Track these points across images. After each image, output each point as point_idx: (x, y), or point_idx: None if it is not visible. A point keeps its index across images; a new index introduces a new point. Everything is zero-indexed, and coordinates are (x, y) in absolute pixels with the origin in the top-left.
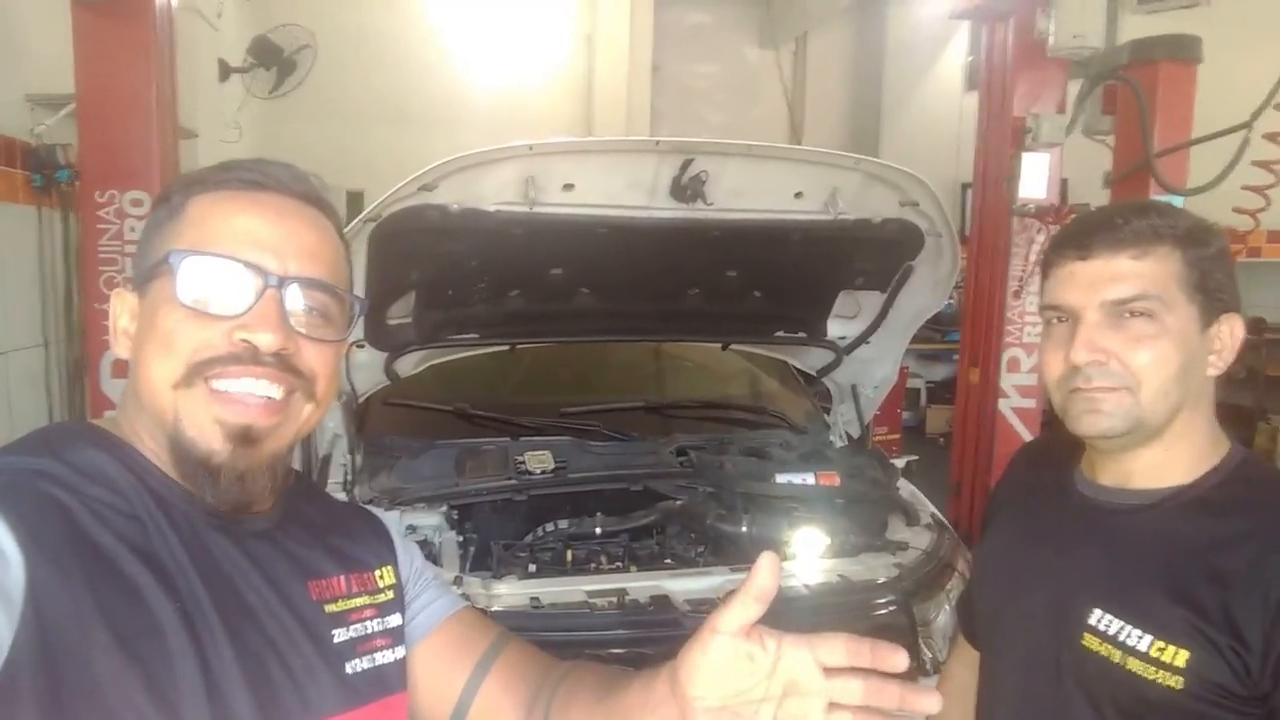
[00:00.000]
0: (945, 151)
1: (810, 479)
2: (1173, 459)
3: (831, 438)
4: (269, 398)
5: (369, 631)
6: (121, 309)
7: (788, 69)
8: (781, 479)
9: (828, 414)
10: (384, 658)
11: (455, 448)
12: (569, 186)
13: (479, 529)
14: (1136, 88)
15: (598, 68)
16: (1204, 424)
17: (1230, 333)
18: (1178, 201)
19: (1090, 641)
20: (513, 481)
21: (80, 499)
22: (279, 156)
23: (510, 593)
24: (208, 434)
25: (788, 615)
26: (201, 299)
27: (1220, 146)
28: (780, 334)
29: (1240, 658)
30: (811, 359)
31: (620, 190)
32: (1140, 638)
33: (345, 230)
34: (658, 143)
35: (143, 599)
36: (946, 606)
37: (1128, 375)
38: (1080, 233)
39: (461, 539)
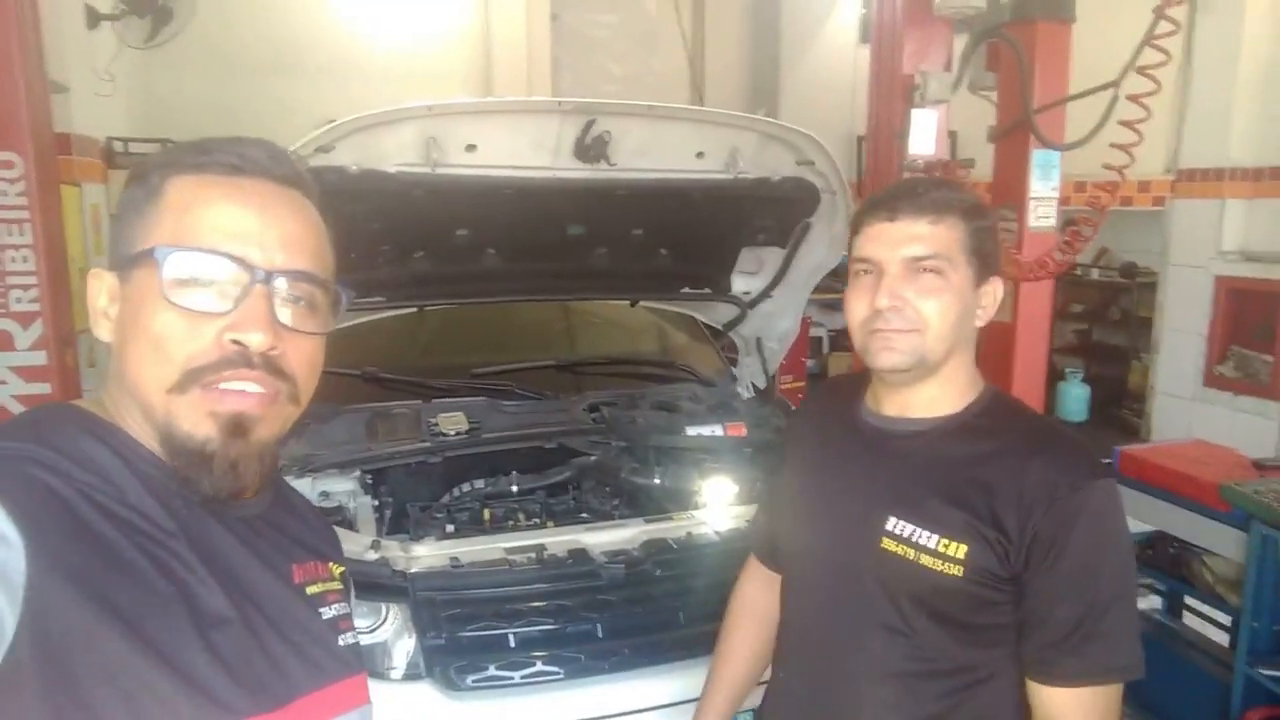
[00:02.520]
0: (842, 103)
1: (719, 430)
2: (944, 394)
3: (739, 389)
4: (259, 392)
5: (340, 614)
6: (99, 289)
7: (687, 19)
8: (691, 431)
9: (734, 366)
10: (352, 638)
11: (366, 412)
12: (471, 147)
13: (394, 493)
14: (1016, 45)
15: (495, 16)
16: (968, 365)
17: (993, 292)
18: (1055, 157)
19: (888, 544)
20: (427, 444)
21: (74, 485)
22: (158, 110)
23: (429, 554)
24: (202, 427)
25: (700, 560)
26: (188, 296)
27: (1096, 104)
28: (686, 290)
29: (1003, 547)
30: (717, 314)
31: (524, 151)
32: (929, 537)
33: None
34: (560, 103)
35: (144, 581)
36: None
37: (918, 319)
38: (889, 199)
39: (377, 503)
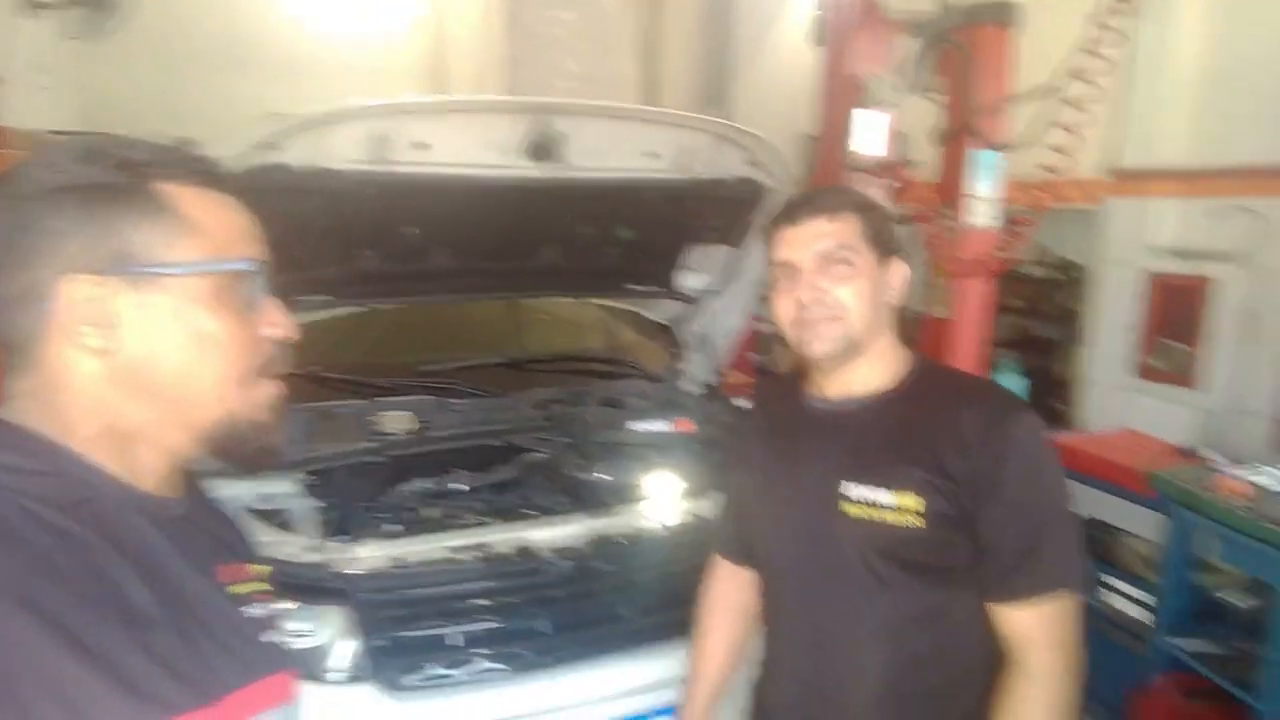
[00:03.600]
0: (794, 103)
1: (667, 426)
2: (877, 369)
3: (687, 386)
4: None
5: (265, 612)
6: (90, 296)
7: (644, 19)
8: (639, 427)
9: (682, 363)
10: (278, 636)
11: (308, 412)
12: (423, 145)
13: (337, 494)
14: (963, 50)
15: (450, 12)
16: (892, 341)
17: (898, 271)
18: (996, 157)
19: (849, 509)
20: (371, 443)
21: (5, 494)
22: (99, 104)
23: (372, 555)
24: (263, 411)
25: (647, 555)
26: (245, 303)
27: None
28: (636, 287)
29: (952, 490)
30: (666, 310)
31: (476, 149)
32: (887, 494)
33: None
34: (513, 103)
35: (74, 584)
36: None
37: (838, 306)
38: (791, 208)
39: (319, 505)
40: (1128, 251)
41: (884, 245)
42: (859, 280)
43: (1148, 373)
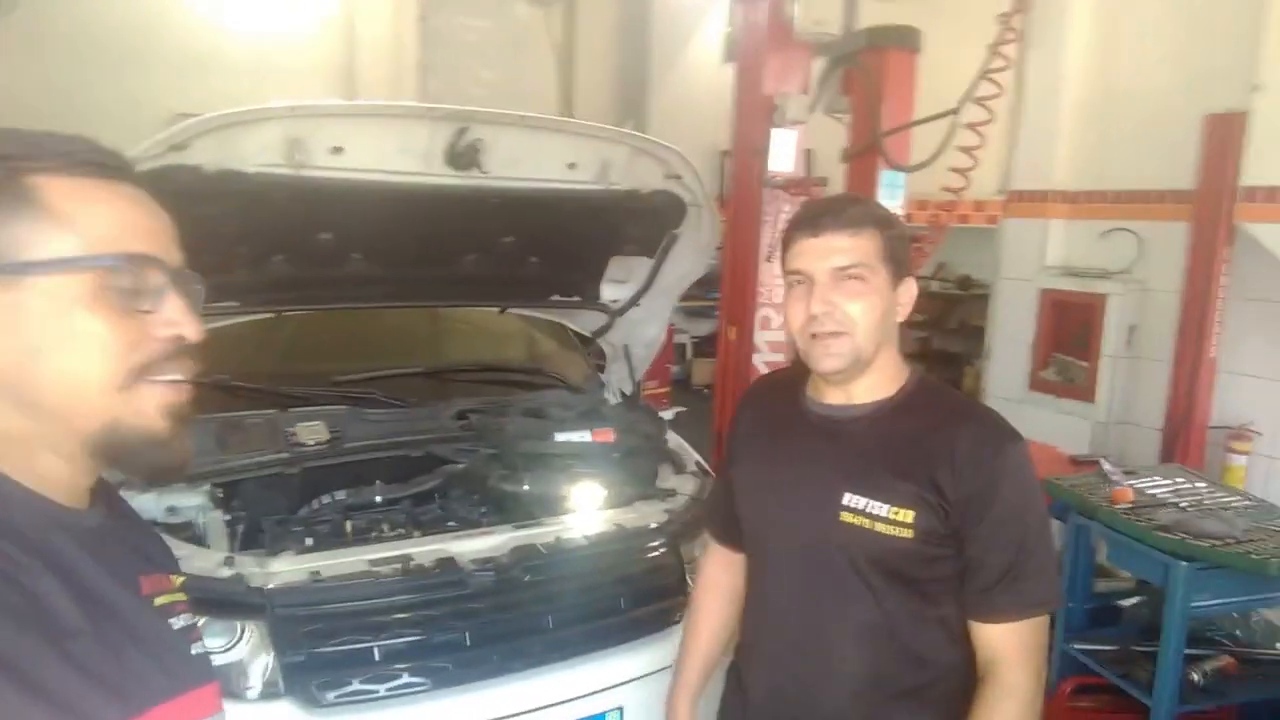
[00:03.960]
0: (708, 118)
1: (587, 436)
2: (879, 381)
3: (606, 395)
4: (186, 381)
5: (188, 624)
6: None
7: (558, 28)
8: (560, 437)
9: (602, 373)
10: (202, 648)
11: (216, 422)
12: (338, 150)
13: (248, 506)
14: (868, 72)
15: (360, 14)
16: (896, 355)
17: (909, 290)
18: (901, 177)
19: (846, 517)
20: (284, 455)
21: None
22: None
23: (288, 569)
24: (152, 419)
25: (569, 565)
26: (124, 299)
27: (938, 129)
28: (556, 298)
29: (943, 508)
30: (586, 321)
31: (393, 155)
32: (881, 507)
33: None
34: (431, 109)
35: (2, 613)
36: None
37: (847, 321)
38: (812, 216)
39: (229, 517)
40: (1023, 269)
41: (898, 264)
42: (871, 298)
43: (1043, 385)
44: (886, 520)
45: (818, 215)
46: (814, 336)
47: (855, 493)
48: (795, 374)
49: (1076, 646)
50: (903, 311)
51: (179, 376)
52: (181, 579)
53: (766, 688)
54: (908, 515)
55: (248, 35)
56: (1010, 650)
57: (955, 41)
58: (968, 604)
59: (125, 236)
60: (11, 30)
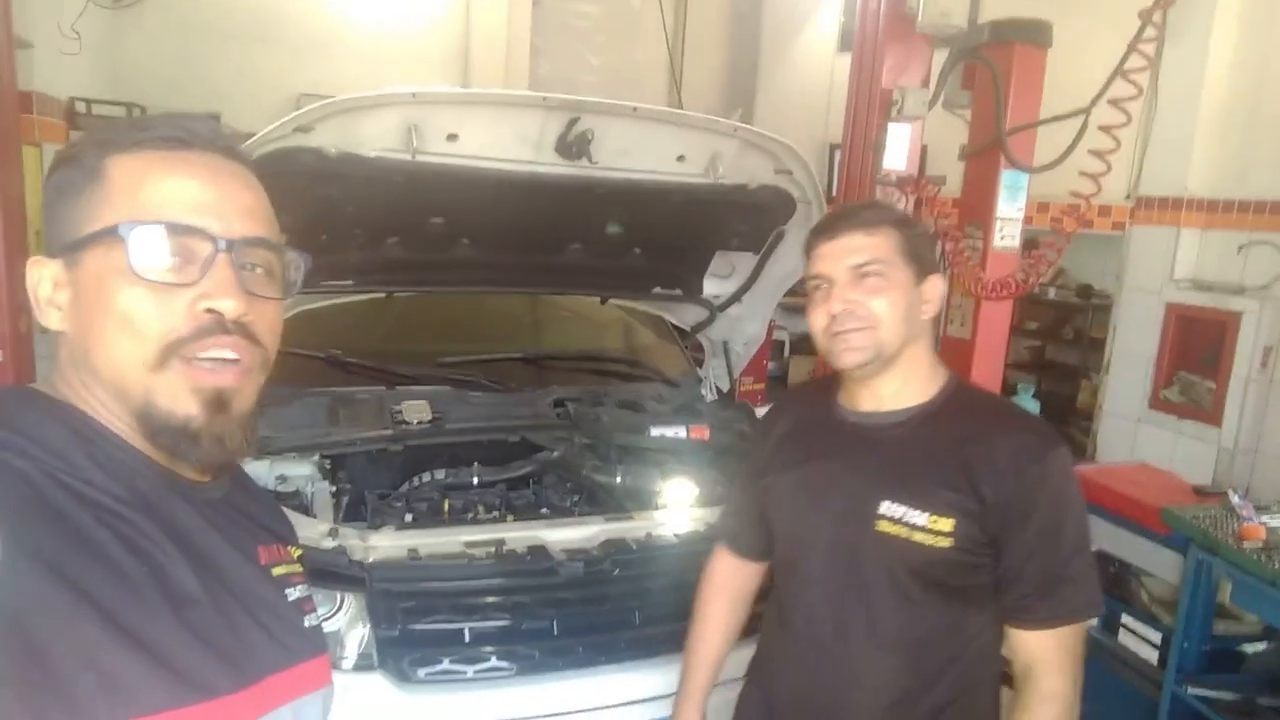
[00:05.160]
0: (817, 110)
1: (682, 432)
2: (908, 384)
3: (703, 391)
4: (236, 360)
5: (303, 595)
6: (42, 277)
7: (669, 15)
8: (655, 432)
9: (700, 368)
10: (315, 619)
11: (328, 396)
12: (453, 137)
13: (353, 479)
14: (993, 67)
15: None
16: (926, 356)
17: (934, 287)
18: (1023, 178)
19: (883, 526)
20: (389, 431)
21: (41, 467)
22: (125, 72)
23: (387, 544)
24: (184, 403)
25: (658, 561)
26: (157, 270)
27: (1063, 128)
28: (658, 290)
29: (983, 515)
30: (686, 315)
31: (505, 143)
32: (920, 515)
33: None
34: (545, 99)
35: (114, 563)
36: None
37: (870, 317)
38: (829, 222)
39: (335, 489)
40: (1149, 280)
41: (921, 261)
42: (892, 292)
43: (1165, 405)
44: (925, 529)
45: (834, 219)
46: (835, 335)
47: (893, 501)
48: (827, 383)
49: (1192, 691)
50: (929, 310)
51: (226, 355)
52: (299, 551)
53: (791, 696)
54: (947, 524)
55: (369, 19)
56: (1049, 656)
57: (1087, 36)
58: (1006, 611)
59: (169, 206)
60: (150, 9)
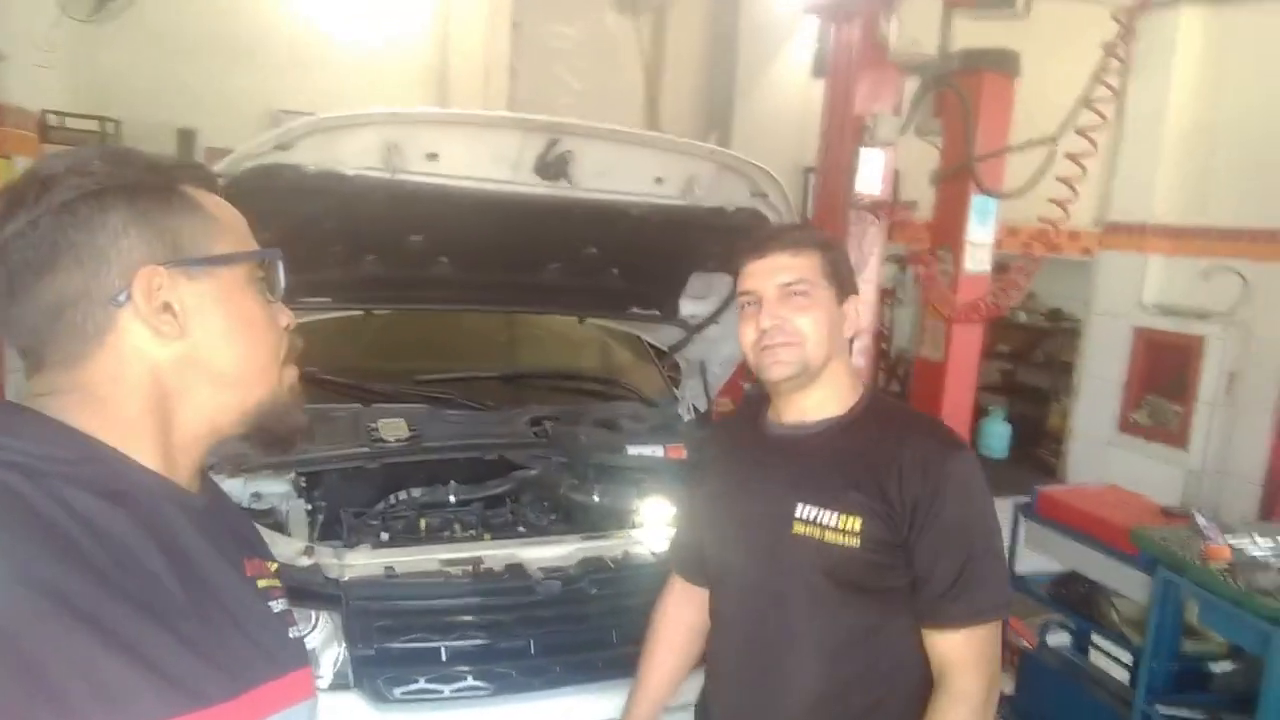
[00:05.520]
0: (792, 134)
1: (659, 451)
2: (830, 396)
3: (680, 411)
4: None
5: (285, 608)
6: (155, 285)
7: (647, 39)
8: (632, 450)
9: (677, 388)
10: (298, 632)
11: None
12: (433, 156)
13: (328, 497)
14: (963, 95)
15: (455, 20)
16: (846, 371)
17: (855, 307)
18: (992, 203)
19: (798, 528)
20: (365, 449)
21: (33, 481)
22: (99, 86)
23: (363, 562)
24: (294, 394)
25: (635, 580)
26: (263, 290)
27: (1032, 154)
28: (635, 310)
29: (890, 516)
30: (664, 335)
31: (484, 163)
32: (830, 515)
33: None
34: (524, 120)
35: (106, 574)
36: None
37: (796, 333)
38: (759, 242)
39: (310, 507)
40: (1118, 305)
41: (841, 282)
42: (816, 311)
43: (1133, 427)
44: (834, 529)
45: (764, 239)
46: (764, 349)
47: (806, 503)
48: (755, 406)
49: (1161, 710)
50: (849, 328)
51: (295, 361)
52: (276, 565)
53: (725, 707)
54: (855, 523)
55: (348, 38)
56: (962, 657)
57: (1054, 65)
58: (920, 612)
59: (249, 238)
60: (126, 23)
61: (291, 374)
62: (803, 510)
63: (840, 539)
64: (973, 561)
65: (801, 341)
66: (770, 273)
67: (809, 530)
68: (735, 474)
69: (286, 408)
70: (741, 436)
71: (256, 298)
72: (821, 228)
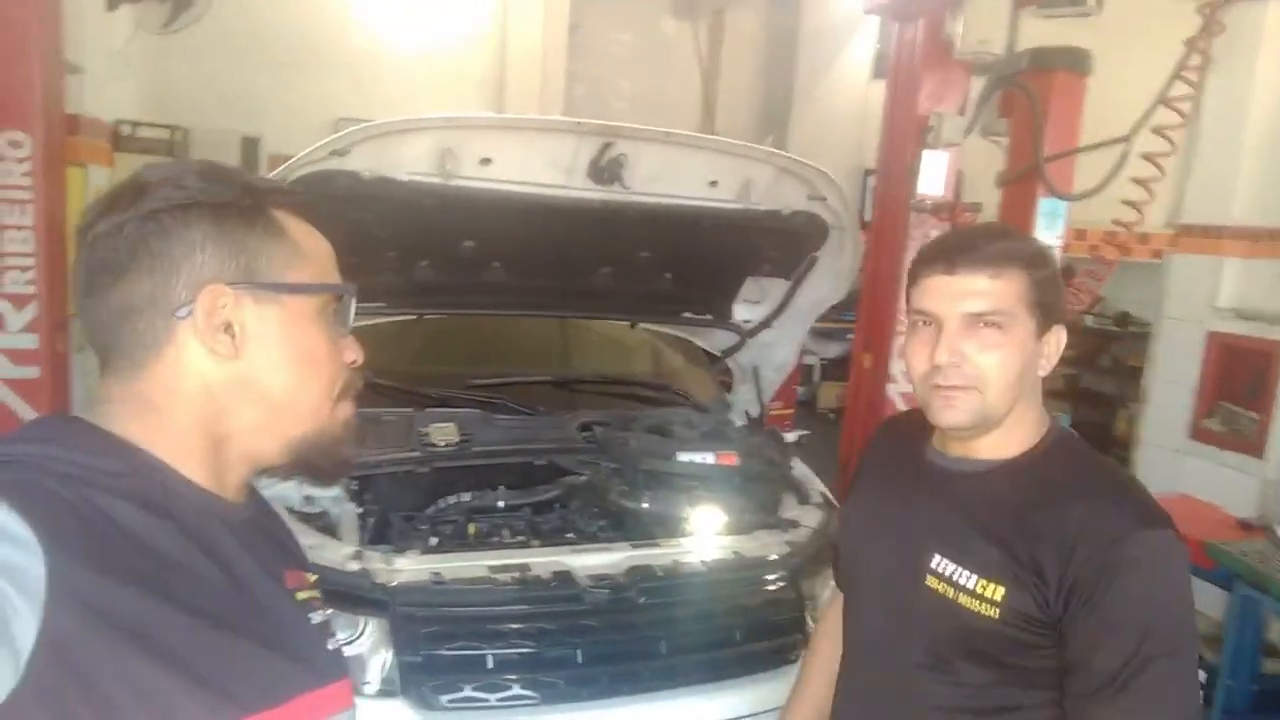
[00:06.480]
0: (851, 136)
1: (710, 458)
2: (1008, 439)
3: (732, 416)
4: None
5: (325, 619)
6: (219, 304)
7: (704, 43)
8: (683, 457)
9: (729, 393)
10: (336, 643)
11: (356, 417)
12: (486, 161)
13: (379, 501)
14: (1032, 95)
15: (514, 24)
16: (1034, 412)
17: (1057, 341)
18: (1061, 206)
19: (932, 582)
20: (416, 453)
21: (85, 494)
22: (172, 96)
23: (411, 567)
24: (345, 432)
25: (685, 590)
26: (332, 325)
27: (1103, 154)
28: (688, 315)
29: (1041, 591)
30: (716, 340)
31: (538, 168)
32: (969, 577)
33: None
34: (579, 124)
35: (155, 585)
36: (833, 582)
37: (977, 377)
38: (947, 250)
39: (361, 511)
40: (1190, 309)
41: (1046, 311)
42: (1008, 349)
43: (1206, 435)
44: (971, 593)
45: (954, 250)
46: (935, 387)
47: (945, 556)
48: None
49: None
50: (1047, 365)
51: (353, 398)
52: (315, 577)
53: None
54: (997, 591)
55: (406, 45)
56: None
57: (1121, 63)
58: (1065, 707)
59: (333, 271)
60: (196, 36)
61: (346, 409)
62: (939, 563)
63: (976, 605)
64: (1136, 665)
65: (982, 387)
66: (958, 297)
67: (943, 588)
68: (881, 494)
69: (334, 443)
70: (901, 450)
71: (323, 330)
72: (875, 230)
